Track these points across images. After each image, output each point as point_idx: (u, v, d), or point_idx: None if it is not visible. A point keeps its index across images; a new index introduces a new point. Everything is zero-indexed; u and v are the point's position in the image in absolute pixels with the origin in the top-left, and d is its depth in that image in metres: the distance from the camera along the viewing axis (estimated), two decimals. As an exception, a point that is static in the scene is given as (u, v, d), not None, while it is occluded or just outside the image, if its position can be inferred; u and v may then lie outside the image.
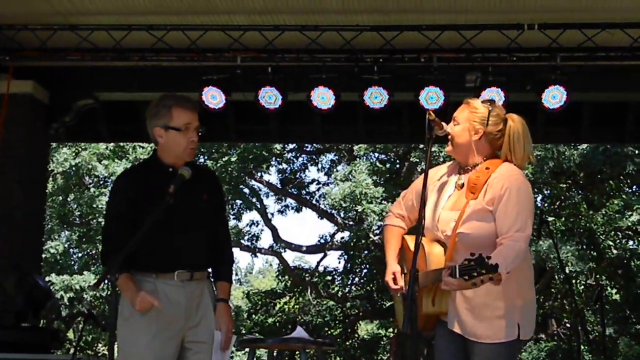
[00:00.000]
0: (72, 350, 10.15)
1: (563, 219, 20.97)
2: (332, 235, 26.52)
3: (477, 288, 4.45)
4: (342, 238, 25.89)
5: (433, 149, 4.91)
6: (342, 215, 24.23)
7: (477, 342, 4.71)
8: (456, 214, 4.75)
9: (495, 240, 4.63)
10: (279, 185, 26.73)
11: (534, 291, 4.97)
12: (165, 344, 5.01)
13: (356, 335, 26.99)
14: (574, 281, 20.52)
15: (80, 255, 26.77)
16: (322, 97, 9.16)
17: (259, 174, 26.05)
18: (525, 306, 4.79)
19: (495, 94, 8.79)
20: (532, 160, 5.00)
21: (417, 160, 21.94)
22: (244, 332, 24.50)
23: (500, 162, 4.84)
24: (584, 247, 20.64)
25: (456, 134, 4.89)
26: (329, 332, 25.12)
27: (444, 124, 4.84)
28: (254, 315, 27.08)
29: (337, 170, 25.06)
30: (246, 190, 26.47)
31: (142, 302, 4.90)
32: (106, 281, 4.63)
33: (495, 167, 4.80)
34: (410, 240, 5.06)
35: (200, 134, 5.18)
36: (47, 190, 11.83)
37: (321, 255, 27.03)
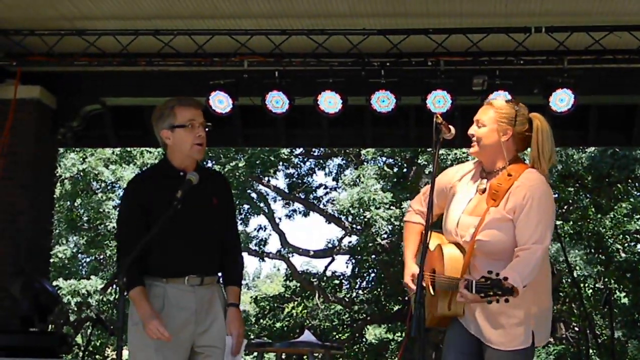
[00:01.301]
0: (80, 355, 10.16)
1: (571, 222, 20.93)
2: (340, 240, 26.55)
3: None
4: (350, 242, 25.91)
5: (440, 152, 4.88)
6: (349, 219, 24.23)
7: (492, 347, 4.72)
8: (476, 220, 4.72)
9: (514, 249, 4.61)
10: (286, 190, 26.74)
11: (550, 298, 4.94)
12: (175, 349, 5.00)
13: (364, 340, 26.98)
14: (582, 285, 20.49)
15: (88, 260, 26.81)
16: (329, 101, 9.16)
17: (267, 178, 26.07)
18: (540, 313, 4.79)
19: (502, 97, 8.78)
20: (554, 161, 4.95)
21: (425, 162, 21.92)
22: (252, 337, 24.47)
23: (524, 169, 4.79)
24: (592, 250, 20.61)
25: (484, 136, 4.83)
26: (337, 337, 25.11)
27: (451, 127, 4.81)
28: (262, 320, 27.06)
29: (344, 175, 25.07)
30: (254, 195, 26.49)
31: (153, 331, 4.88)
32: (114, 285, 4.63)
33: (518, 174, 4.75)
34: (432, 238, 5.04)
35: (207, 129, 5.19)
36: (54, 195, 11.81)
37: (329, 259, 27.04)
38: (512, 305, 4.58)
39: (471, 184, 4.95)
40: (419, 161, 22.44)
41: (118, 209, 5.48)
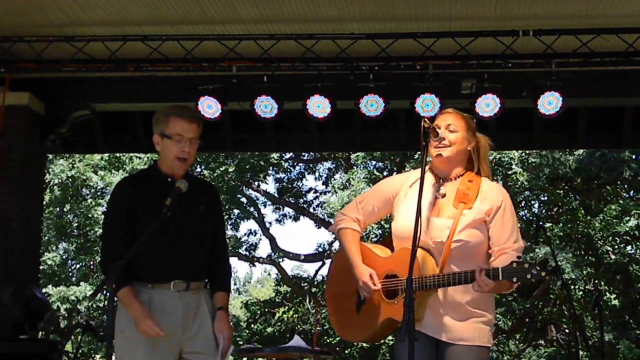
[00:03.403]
0: (70, 362, 10.13)
1: (561, 225, 20.96)
2: (330, 244, 26.52)
3: (464, 296, 4.71)
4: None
5: (428, 159, 4.93)
6: (339, 223, 24.20)
7: (460, 344, 4.76)
8: (449, 222, 4.78)
9: (486, 250, 4.71)
10: (276, 195, 26.73)
11: None
12: (163, 355, 5.00)
13: (355, 344, 26.94)
14: (572, 287, 20.54)
15: (78, 266, 26.75)
16: (318, 106, 9.15)
17: (257, 183, 26.06)
18: (493, 320, 4.94)
19: (490, 100, 8.82)
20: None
21: (413, 170, 21.92)
22: (241, 342, 24.44)
23: (479, 177, 4.97)
24: (582, 252, 20.64)
25: (458, 141, 4.94)
26: (328, 341, 25.09)
27: (439, 131, 4.86)
28: (252, 325, 27.03)
29: (334, 179, 25.07)
30: (244, 200, 26.48)
31: (147, 330, 4.90)
32: (104, 292, 4.63)
33: (478, 180, 4.93)
34: (374, 248, 5.15)
35: (198, 146, 5.22)
36: (44, 202, 11.79)
37: (319, 263, 27.02)
38: (480, 307, 4.81)
39: (426, 188, 4.93)
40: (407, 169, 22.48)
41: (106, 210, 5.49)
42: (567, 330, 23.49)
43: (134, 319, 4.94)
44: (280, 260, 27.31)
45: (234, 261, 28.33)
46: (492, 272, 4.47)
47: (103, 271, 5.34)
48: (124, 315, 5.09)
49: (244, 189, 26.12)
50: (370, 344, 6.02)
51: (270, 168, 25.58)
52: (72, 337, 23.90)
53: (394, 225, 5.04)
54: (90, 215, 23.83)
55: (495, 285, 4.49)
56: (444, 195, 4.92)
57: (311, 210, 26.66)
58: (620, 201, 21.32)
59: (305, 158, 26.05)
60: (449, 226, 4.77)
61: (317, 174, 26.56)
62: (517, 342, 24.47)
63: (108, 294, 4.63)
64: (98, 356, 26.38)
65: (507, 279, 4.43)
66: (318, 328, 25.58)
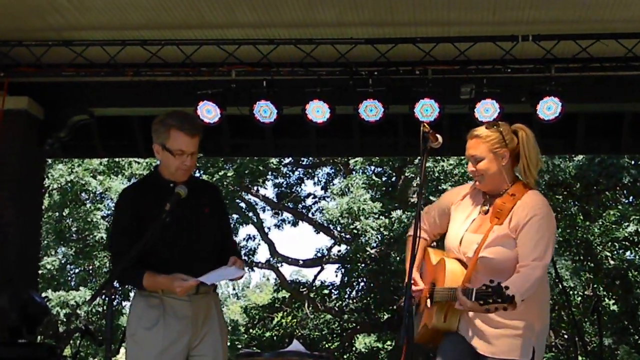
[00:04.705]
0: (68, 367, 10.12)
1: (560, 230, 20.95)
2: (329, 249, 26.52)
3: None
4: (339, 251, 25.88)
5: (427, 164, 4.93)
6: (339, 229, 24.23)
7: (493, 357, 4.73)
8: (479, 237, 4.78)
9: (516, 266, 4.67)
10: (275, 200, 26.72)
11: (549, 316, 5.01)
12: (173, 358, 5.03)
13: (354, 349, 26.94)
14: (571, 292, 20.53)
15: (77, 271, 26.72)
16: (318, 111, 9.16)
17: (255, 188, 26.04)
18: (542, 330, 4.85)
19: (490, 105, 8.82)
20: (541, 165, 5.01)
21: (413, 175, 21.97)
22: (240, 346, 24.43)
23: (526, 189, 4.86)
24: (581, 258, 20.63)
25: (486, 168, 4.88)
26: (327, 346, 25.07)
27: (438, 136, 4.84)
28: (251, 330, 27.01)
29: (333, 184, 25.06)
30: (242, 205, 26.45)
31: (185, 289, 4.96)
32: (102, 296, 4.63)
33: (521, 194, 4.83)
34: (433, 254, 5.15)
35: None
36: (43, 206, 11.78)
37: (318, 268, 26.99)
38: (515, 318, 4.68)
39: (473, 204, 5.01)
40: (407, 174, 22.48)
41: (112, 218, 5.51)
42: (566, 336, 23.46)
43: (167, 290, 5.00)
44: (279, 265, 27.29)
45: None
46: (468, 292, 4.46)
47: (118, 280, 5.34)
48: (133, 319, 5.14)
49: (243, 194, 26.10)
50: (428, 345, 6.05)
51: (269, 173, 25.58)
52: (71, 341, 23.88)
53: (445, 237, 5.10)
54: (89, 220, 23.81)
55: (472, 305, 4.46)
56: (486, 212, 4.91)
57: (310, 215, 26.64)
58: (620, 207, 21.32)
59: (304, 163, 26.03)
60: (477, 242, 4.77)
61: (316, 179, 26.57)
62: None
63: (107, 298, 4.62)
64: (95, 360, 26.37)
65: (476, 300, 4.40)
66: (317, 333, 25.53)
